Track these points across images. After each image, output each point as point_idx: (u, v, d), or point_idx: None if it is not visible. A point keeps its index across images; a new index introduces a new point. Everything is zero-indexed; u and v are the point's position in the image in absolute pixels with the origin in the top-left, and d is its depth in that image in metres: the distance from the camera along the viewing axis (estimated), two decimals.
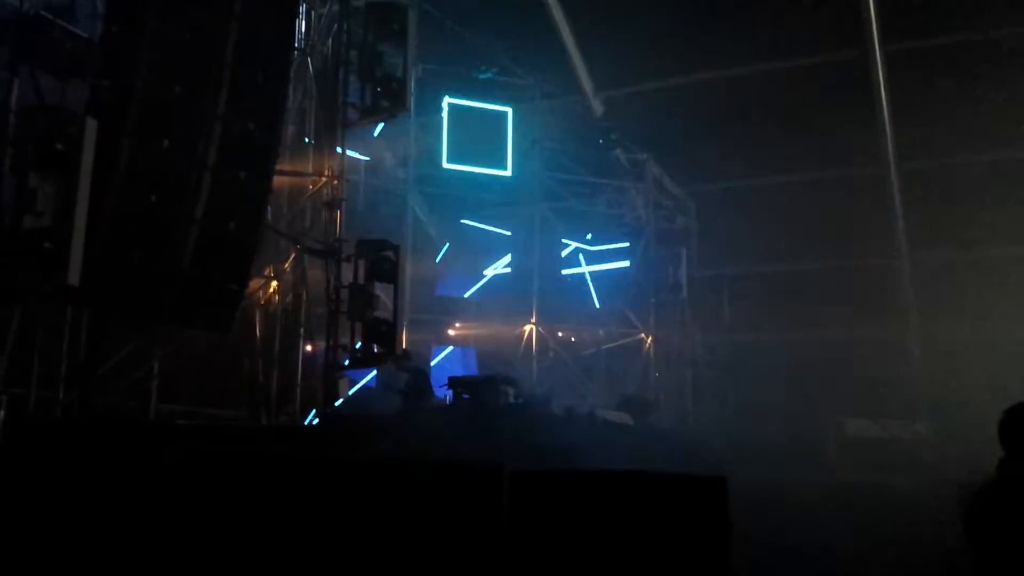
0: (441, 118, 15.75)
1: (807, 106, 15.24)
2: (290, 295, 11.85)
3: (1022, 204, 14.43)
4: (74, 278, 7.25)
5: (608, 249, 17.31)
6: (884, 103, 15.22)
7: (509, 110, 16.20)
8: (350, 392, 11.69)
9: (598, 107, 16.82)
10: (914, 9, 14.17)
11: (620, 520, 4.81)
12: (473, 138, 15.95)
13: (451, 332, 16.41)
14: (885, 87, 15.05)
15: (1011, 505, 3.99)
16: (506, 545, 4.93)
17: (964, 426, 11.73)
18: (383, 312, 11.30)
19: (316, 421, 11.01)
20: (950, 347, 14.96)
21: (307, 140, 12.36)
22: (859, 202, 15.95)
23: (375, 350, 11.10)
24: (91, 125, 7.46)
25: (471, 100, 16.00)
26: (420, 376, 11.79)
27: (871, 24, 14.43)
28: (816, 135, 15.44)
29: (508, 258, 16.94)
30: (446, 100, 15.73)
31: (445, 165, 15.70)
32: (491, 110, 16.13)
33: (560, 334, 16.77)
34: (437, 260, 16.07)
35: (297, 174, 12.08)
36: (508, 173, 16.13)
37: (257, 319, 11.42)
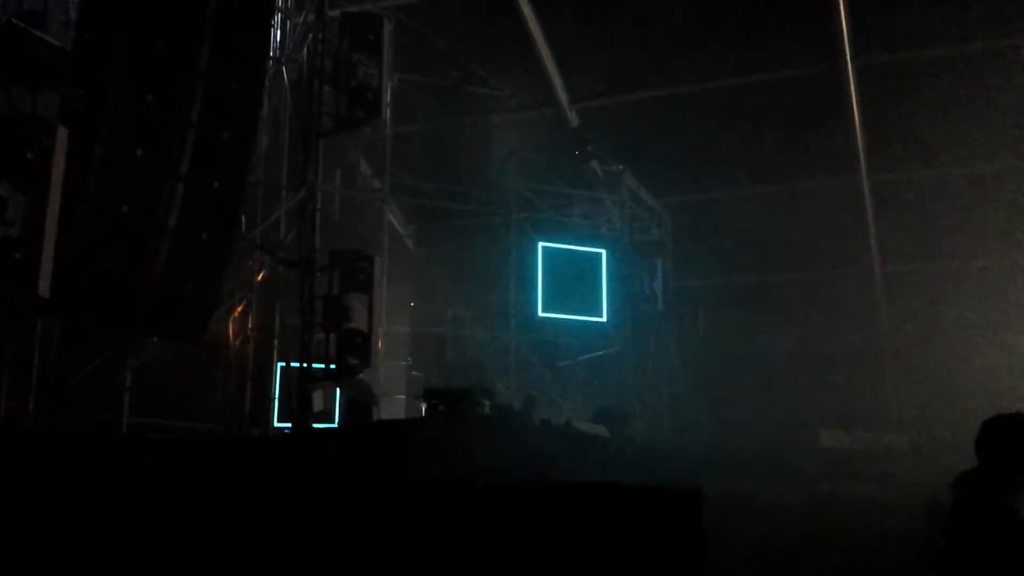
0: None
1: (781, 119, 15.36)
2: (264, 306, 11.79)
3: (994, 216, 14.61)
4: (44, 289, 7.17)
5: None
6: (856, 116, 15.35)
7: (603, 252, 16.20)
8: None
9: (573, 119, 16.85)
10: (885, 24, 14.30)
11: (595, 532, 4.79)
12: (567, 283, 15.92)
13: None
14: (857, 100, 15.17)
15: (989, 520, 4.01)
16: (481, 557, 4.90)
17: (938, 437, 11.85)
18: (358, 323, 11.25)
19: (289, 434, 10.94)
20: (923, 359, 15.09)
21: (281, 148, 12.34)
22: (833, 214, 16.08)
23: (350, 362, 11.05)
24: (62, 134, 7.39)
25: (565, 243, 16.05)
26: (363, 389, 11.69)
27: (843, 38, 14.54)
28: (790, 148, 15.57)
29: None
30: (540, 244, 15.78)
31: (541, 314, 15.66)
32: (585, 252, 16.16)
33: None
34: None
35: (271, 184, 12.02)
36: (603, 319, 16.08)
37: (230, 330, 11.36)
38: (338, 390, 12.03)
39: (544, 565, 4.80)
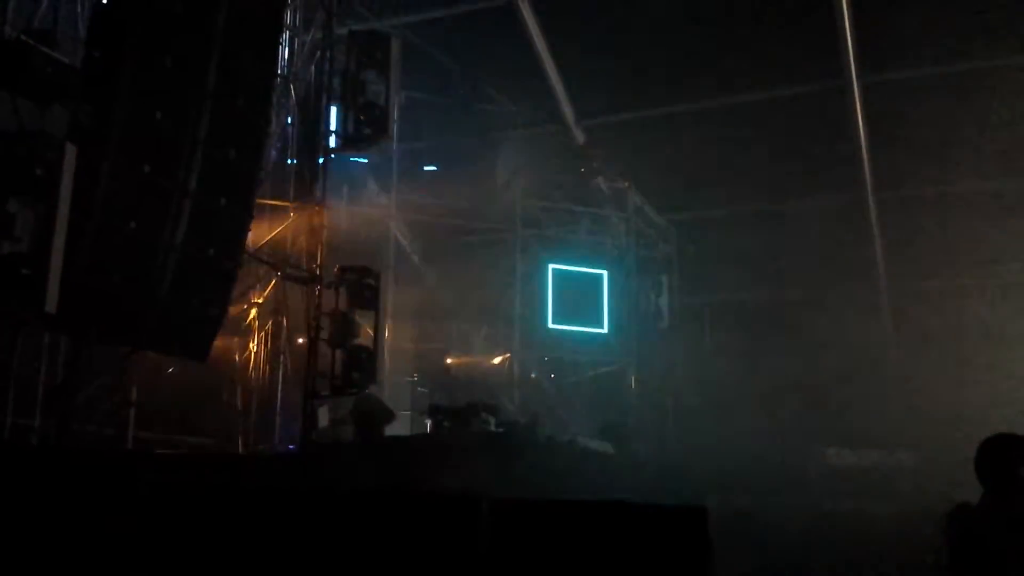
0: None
1: (787, 136, 15.37)
2: (270, 322, 11.80)
3: (1001, 233, 14.58)
4: (51, 304, 7.17)
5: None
6: (862, 133, 15.36)
7: (605, 273, 16.87)
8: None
9: (579, 136, 16.89)
10: (891, 42, 14.34)
11: (600, 550, 4.77)
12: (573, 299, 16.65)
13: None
14: (863, 118, 15.19)
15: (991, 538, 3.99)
16: (485, 575, 4.89)
17: (944, 455, 11.79)
18: (364, 339, 11.26)
19: (295, 451, 10.92)
20: (930, 377, 15.03)
21: (289, 165, 12.38)
22: (839, 231, 16.07)
23: (355, 377, 11.04)
24: (71, 151, 7.41)
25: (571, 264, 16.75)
26: (375, 404, 11.66)
27: (848, 55, 14.58)
28: (796, 165, 15.59)
29: None
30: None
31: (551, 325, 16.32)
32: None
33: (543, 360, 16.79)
34: None
35: (278, 201, 12.06)
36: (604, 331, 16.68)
37: (236, 347, 11.37)
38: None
39: None
